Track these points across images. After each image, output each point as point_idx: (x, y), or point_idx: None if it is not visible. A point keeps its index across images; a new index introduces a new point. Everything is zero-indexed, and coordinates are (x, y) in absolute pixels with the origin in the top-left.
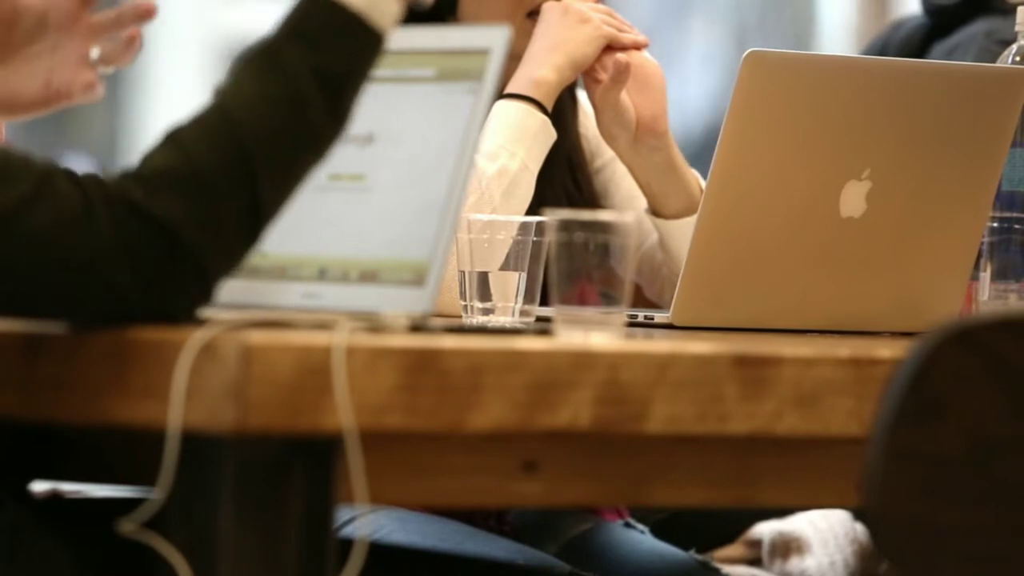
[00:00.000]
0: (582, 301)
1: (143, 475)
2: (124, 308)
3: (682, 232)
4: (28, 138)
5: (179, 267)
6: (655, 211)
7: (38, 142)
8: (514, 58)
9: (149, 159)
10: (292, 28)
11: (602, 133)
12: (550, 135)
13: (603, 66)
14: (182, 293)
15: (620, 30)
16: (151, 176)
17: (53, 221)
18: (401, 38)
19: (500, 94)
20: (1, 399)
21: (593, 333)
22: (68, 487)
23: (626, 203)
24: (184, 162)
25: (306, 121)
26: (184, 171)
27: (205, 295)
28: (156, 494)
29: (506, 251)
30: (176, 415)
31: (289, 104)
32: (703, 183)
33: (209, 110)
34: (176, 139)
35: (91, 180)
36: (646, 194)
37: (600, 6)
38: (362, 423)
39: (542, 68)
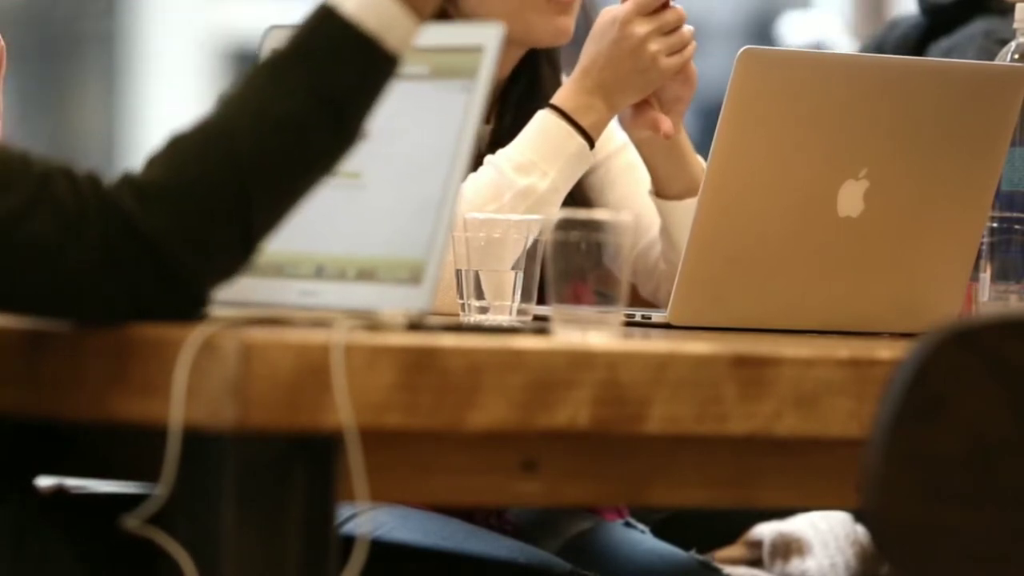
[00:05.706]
0: (579, 300)
1: (146, 471)
2: (111, 317)
3: (683, 214)
4: (25, 136)
5: (164, 283)
6: (658, 191)
7: (33, 140)
8: (517, 44)
9: (150, 166)
10: (300, 45)
11: (622, 127)
12: (587, 161)
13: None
14: (167, 307)
15: (683, 47)
16: (146, 187)
17: (47, 230)
18: None
19: (547, 101)
20: (4, 395)
21: (591, 332)
22: (72, 483)
23: (621, 204)
24: (178, 177)
25: (305, 144)
26: (177, 187)
27: (192, 309)
28: (159, 490)
29: (511, 251)
30: (177, 412)
31: (288, 125)
32: None
33: (210, 121)
34: (176, 149)
35: (88, 184)
36: (651, 173)
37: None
38: (362, 421)
39: (601, 103)
